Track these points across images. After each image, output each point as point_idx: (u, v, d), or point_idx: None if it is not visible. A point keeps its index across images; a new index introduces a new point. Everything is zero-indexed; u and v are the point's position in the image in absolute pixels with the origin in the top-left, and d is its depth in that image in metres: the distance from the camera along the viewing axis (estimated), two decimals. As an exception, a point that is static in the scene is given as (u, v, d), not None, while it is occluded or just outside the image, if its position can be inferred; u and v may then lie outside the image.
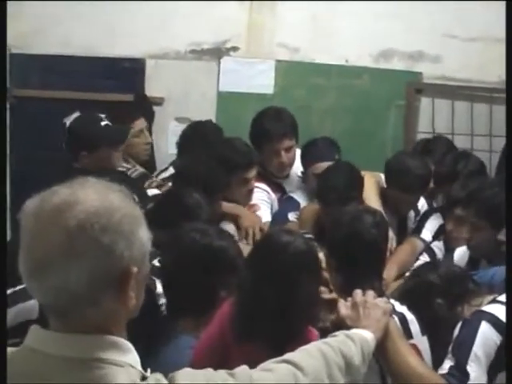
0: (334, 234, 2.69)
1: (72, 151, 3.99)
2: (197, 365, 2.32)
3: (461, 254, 3.50)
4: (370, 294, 2.38)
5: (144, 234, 1.52)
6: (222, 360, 2.35)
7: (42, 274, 1.43)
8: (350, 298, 2.37)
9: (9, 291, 2.58)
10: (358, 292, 2.38)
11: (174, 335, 2.59)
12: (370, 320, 2.27)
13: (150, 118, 4.87)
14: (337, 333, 2.18)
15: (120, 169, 4.06)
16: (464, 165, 4.03)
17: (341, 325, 2.30)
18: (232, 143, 4.10)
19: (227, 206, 3.88)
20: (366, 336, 2.19)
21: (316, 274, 2.40)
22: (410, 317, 2.58)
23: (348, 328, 2.25)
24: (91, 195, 1.47)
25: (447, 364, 2.50)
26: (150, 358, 2.22)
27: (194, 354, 2.43)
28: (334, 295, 2.79)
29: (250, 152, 4.08)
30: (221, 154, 3.93)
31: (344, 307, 2.34)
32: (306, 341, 2.19)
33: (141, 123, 4.59)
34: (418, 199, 4.10)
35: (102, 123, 3.99)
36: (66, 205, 1.44)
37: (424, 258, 3.72)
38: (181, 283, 2.61)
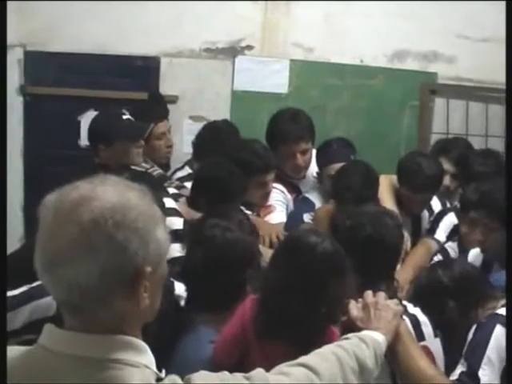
0: (353, 235, 2.66)
1: (91, 144, 4.02)
2: (217, 359, 2.35)
3: (474, 256, 3.48)
4: (381, 295, 2.37)
5: (161, 235, 1.52)
6: (243, 356, 2.36)
7: (55, 268, 1.43)
8: (360, 299, 2.37)
9: (25, 288, 2.59)
10: (369, 293, 2.38)
11: (193, 328, 2.59)
12: (380, 322, 2.27)
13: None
14: (349, 335, 2.17)
15: (139, 169, 4.05)
16: (485, 164, 4.03)
17: (351, 326, 2.30)
18: (251, 146, 4.06)
19: None
20: (377, 338, 2.19)
21: (343, 275, 2.40)
22: (423, 319, 2.58)
23: (358, 329, 2.25)
24: (109, 192, 1.47)
25: (459, 369, 2.50)
26: (171, 352, 2.23)
27: (215, 348, 2.43)
28: None
29: (268, 156, 4.04)
30: (240, 157, 3.90)
31: (355, 308, 2.34)
32: (329, 341, 2.19)
33: (164, 125, 4.61)
34: (431, 199, 4.08)
35: (124, 117, 4.01)
36: (83, 200, 1.45)
37: (437, 259, 3.70)
38: (205, 278, 2.61)
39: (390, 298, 2.40)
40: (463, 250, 3.63)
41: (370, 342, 2.13)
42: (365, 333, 2.21)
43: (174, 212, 3.40)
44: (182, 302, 2.77)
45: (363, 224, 2.66)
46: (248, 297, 2.52)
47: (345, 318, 2.36)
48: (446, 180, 4.25)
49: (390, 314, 2.30)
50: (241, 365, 2.28)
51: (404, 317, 2.46)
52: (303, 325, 2.31)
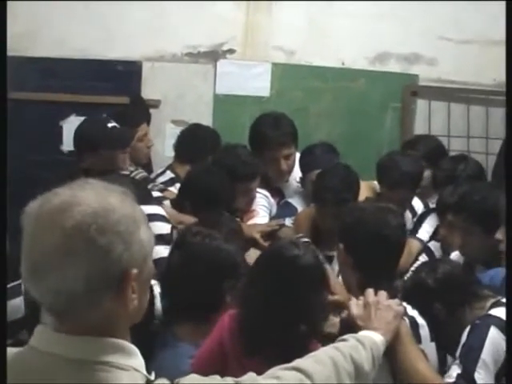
0: (357, 232, 2.59)
1: (78, 151, 4.03)
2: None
3: (456, 258, 3.48)
4: (383, 294, 2.35)
5: (145, 236, 1.52)
6: (221, 373, 2.34)
7: (40, 275, 1.43)
8: (362, 297, 2.34)
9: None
10: (370, 292, 2.35)
11: (173, 343, 2.57)
12: (381, 322, 2.25)
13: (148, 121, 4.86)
14: (346, 336, 2.15)
15: (124, 172, 4.05)
16: (463, 168, 4.03)
17: (351, 323, 2.29)
18: (236, 152, 4.06)
19: None
20: (376, 339, 2.17)
21: (324, 287, 2.38)
22: (421, 321, 2.55)
23: (358, 328, 2.24)
24: (90, 196, 1.47)
25: (454, 371, 2.49)
26: (149, 364, 2.21)
27: (193, 364, 2.40)
28: (337, 297, 2.78)
29: (254, 162, 4.04)
30: (225, 164, 3.91)
31: (356, 306, 2.32)
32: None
33: (145, 127, 4.61)
34: (410, 198, 4.09)
35: (109, 125, 4.00)
36: (65, 206, 1.45)
37: (423, 259, 3.70)
38: (186, 287, 2.59)
39: (392, 297, 2.38)
40: (446, 251, 3.65)
41: (367, 343, 2.11)
42: (363, 333, 2.19)
43: (160, 217, 3.40)
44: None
45: (366, 221, 2.60)
46: (227, 311, 2.49)
47: (345, 315, 2.36)
48: None
49: (391, 314, 2.28)
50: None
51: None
52: (284, 342, 2.28)
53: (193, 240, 2.68)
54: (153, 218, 3.18)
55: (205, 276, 2.58)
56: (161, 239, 3.15)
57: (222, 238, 2.75)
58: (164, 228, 3.35)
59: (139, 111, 4.83)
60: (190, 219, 3.56)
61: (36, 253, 1.44)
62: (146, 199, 3.41)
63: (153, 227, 3.06)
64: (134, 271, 1.47)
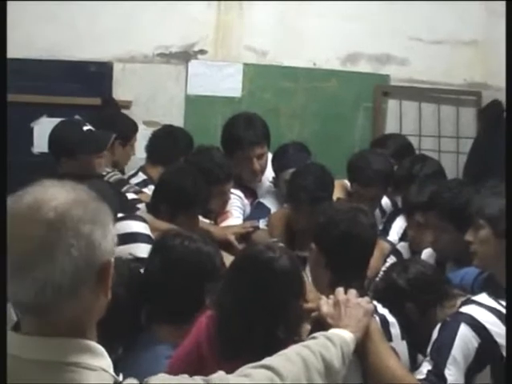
0: (329, 232, 2.59)
1: (54, 155, 4.00)
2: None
3: (427, 256, 3.50)
4: (353, 292, 2.35)
5: (113, 228, 1.54)
6: (198, 374, 2.33)
7: (26, 271, 1.42)
8: (331, 296, 2.35)
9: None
10: (340, 290, 2.36)
11: (152, 343, 2.56)
12: (350, 319, 2.25)
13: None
14: (316, 334, 2.15)
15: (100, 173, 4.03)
16: (420, 168, 4.04)
17: (321, 322, 2.28)
18: (210, 154, 4.06)
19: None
20: (345, 337, 2.17)
21: (300, 290, 2.38)
22: (392, 320, 2.55)
23: (328, 326, 2.24)
24: (62, 191, 1.49)
25: (425, 368, 2.49)
26: (126, 365, 2.20)
27: (169, 366, 2.38)
28: (311, 305, 2.78)
29: (228, 165, 4.04)
30: (200, 166, 3.89)
31: (326, 305, 2.32)
32: None
33: (136, 137, 4.66)
34: (380, 196, 4.09)
35: (84, 128, 3.97)
36: (41, 201, 1.45)
37: (391, 261, 3.71)
38: (163, 288, 2.59)
39: (361, 296, 2.38)
40: (415, 251, 3.66)
41: (337, 341, 2.11)
42: (333, 331, 2.19)
43: (146, 238, 3.25)
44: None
45: (338, 221, 2.60)
46: (205, 313, 2.47)
47: (315, 314, 2.35)
48: None
49: (361, 312, 2.28)
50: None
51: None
52: (262, 346, 2.25)
53: (173, 243, 2.67)
54: (138, 238, 3.17)
55: (186, 279, 2.57)
56: (143, 263, 3.02)
57: (202, 240, 2.74)
58: (146, 251, 3.25)
59: (128, 122, 4.83)
60: (166, 226, 3.52)
61: (18, 249, 1.43)
62: (126, 207, 3.41)
63: (136, 248, 3.06)
64: (112, 260, 1.50)
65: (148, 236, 3.27)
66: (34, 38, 5.12)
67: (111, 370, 1.51)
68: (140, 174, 4.44)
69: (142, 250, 3.07)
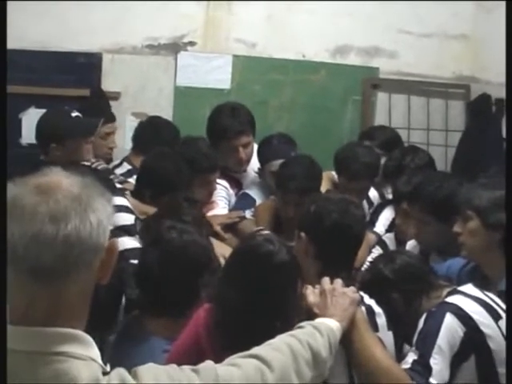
0: (321, 222, 2.60)
1: (41, 143, 3.98)
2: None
3: (411, 247, 3.52)
4: (339, 282, 2.37)
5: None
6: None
7: (48, 226, 1.42)
8: (318, 286, 2.36)
9: None
10: (326, 280, 2.37)
11: (144, 336, 2.57)
12: (337, 309, 2.26)
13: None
14: (303, 323, 2.15)
15: (84, 163, 4.02)
16: (411, 159, 4.06)
17: (307, 312, 2.29)
18: (197, 144, 4.08)
19: None
20: (332, 326, 2.18)
21: (297, 283, 2.39)
22: (378, 310, 2.56)
23: (314, 315, 2.25)
24: (66, 178, 1.51)
25: (410, 358, 2.49)
26: (117, 358, 2.19)
27: (168, 359, 2.37)
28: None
29: (214, 155, 4.06)
30: (186, 156, 3.92)
31: (312, 294, 2.33)
32: None
33: (111, 126, 4.61)
34: (368, 188, 4.12)
35: (73, 115, 3.98)
36: (46, 185, 1.47)
37: (377, 251, 3.73)
38: (160, 281, 2.59)
39: (348, 285, 2.40)
40: (400, 242, 3.68)
41: (324, 330, 2.12)
42: (319, 320, 2.20)
43: (124, 208, 3.40)
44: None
45: (329, 211, 2.61)
46: (202, 305, 2.48)
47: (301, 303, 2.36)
48: None
49: (347, 301, 2.30)
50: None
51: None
52: (261, 337, 2.28)
53: (169, 236, 2.68)
54: (117, 208, 3.18)
55: (183, 272, 2.59)
56: (125, 230, 3.20)
57: (196, 232, 2.74)
58: (128, 219, 3.35)
59: (108, 109, 4.82)
60: (152, 209, 3.56)
61: (38, 218, 1.42)
62: (110, 190, 3.41)
63: (117, 218, 3.10)
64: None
65: (127, 207, 3.42)
66: (24, 29, 5.08)
67: (99, 360, 1.51)
68: (125, 164, 4.44)
69: (125, 219, 3.27)
